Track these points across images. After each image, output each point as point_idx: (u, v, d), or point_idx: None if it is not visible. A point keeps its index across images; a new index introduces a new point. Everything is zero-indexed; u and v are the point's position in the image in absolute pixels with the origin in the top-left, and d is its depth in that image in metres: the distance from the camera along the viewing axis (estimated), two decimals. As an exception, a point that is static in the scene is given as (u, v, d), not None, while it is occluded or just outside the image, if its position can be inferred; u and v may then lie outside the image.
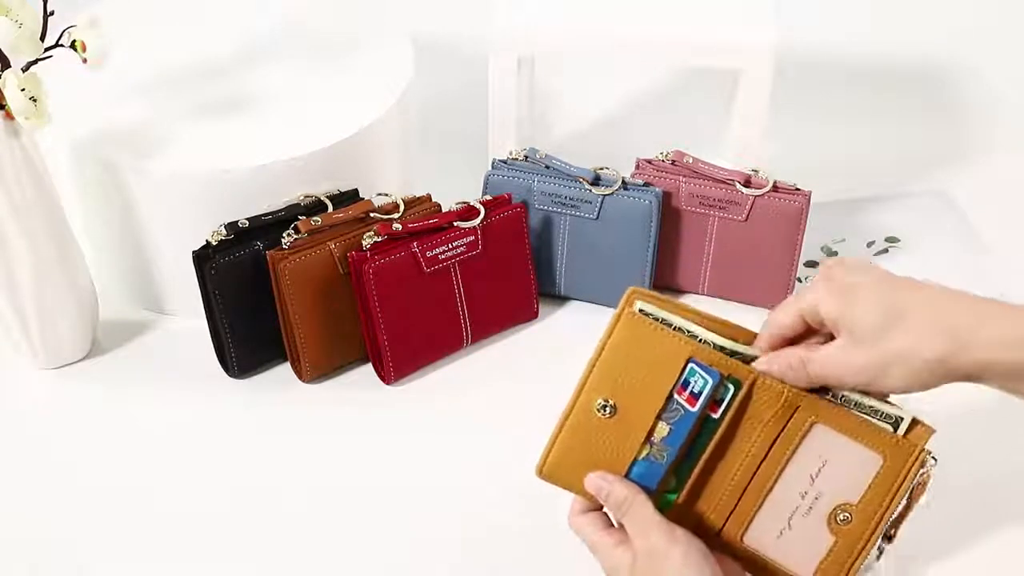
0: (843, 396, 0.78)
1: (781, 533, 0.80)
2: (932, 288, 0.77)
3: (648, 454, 0.80)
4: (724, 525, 0.81)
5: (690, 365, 0.78)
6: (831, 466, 0.79)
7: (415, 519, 0.95)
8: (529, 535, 0.93)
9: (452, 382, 1.09)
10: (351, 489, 0.98)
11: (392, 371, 1.06)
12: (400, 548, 0.93)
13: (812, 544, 0.80)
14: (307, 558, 0.93)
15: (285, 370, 1.09)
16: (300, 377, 1.08)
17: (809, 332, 0.79)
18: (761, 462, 0.80)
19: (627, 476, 0.81)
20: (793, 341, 0.79)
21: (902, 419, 0.78)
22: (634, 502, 0.79)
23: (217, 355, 1.08)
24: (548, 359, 1.11)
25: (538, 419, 1.04)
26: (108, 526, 0.95)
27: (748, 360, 0.79)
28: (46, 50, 0.97)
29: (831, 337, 0.77)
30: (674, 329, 0.79)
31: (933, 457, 0.78)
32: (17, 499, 0.98)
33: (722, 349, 0.79)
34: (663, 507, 0.81)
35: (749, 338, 0.80)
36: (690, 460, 0.80)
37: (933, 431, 0.78)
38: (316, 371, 1.07)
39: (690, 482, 0.81)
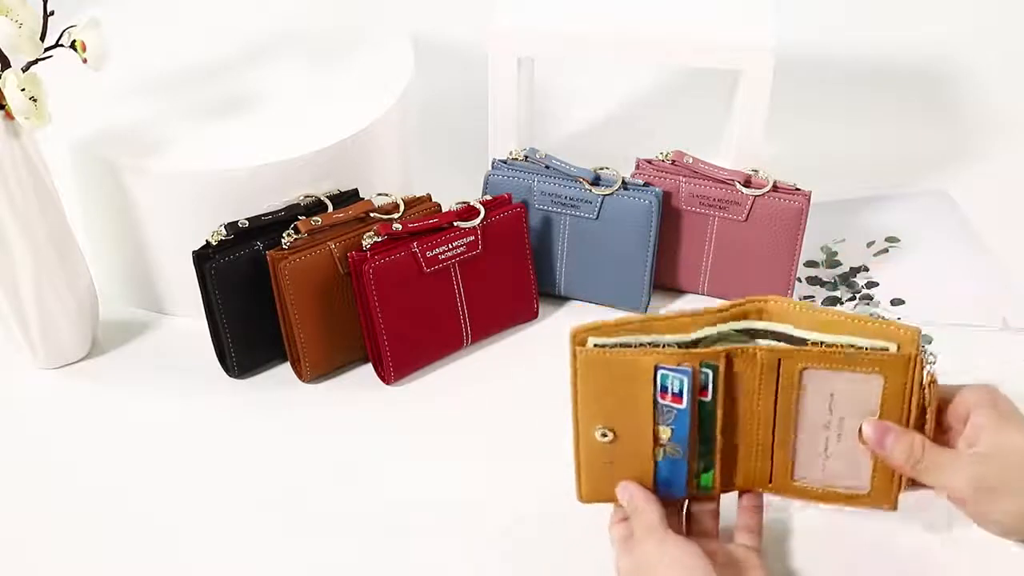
0: (822, 342, 0.80)
1: (824, 464, 0.83)
2: None
3: (664, 455, 0.83)
4: (771, 478, 0.85)
5: (659, 372, 0.80)
6: (840, 395, 0.81)
7: (415, 519, 0.95)
8: (529, 534, 0.93)
9: (452, 382, 1.09)
10: (351, 489, 0.98)
11: (392, 371, 1.06)
12: (400, 548, 0.93)
13: (856, 460, 0.83)
14: (307, 558, 0.93)
15: (285, 370, 1.09)
16: (300, 377, 1.08)
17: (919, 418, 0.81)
18: (775, 418, 0.82)
19: (656, 477, 0.84)
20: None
21: (887, 348, 0.79)
22: (644, 509, 0.82)
23: (217, 355, 1.08)
24: (548, 359, 1.10)
25: (538, 419, 1.04)
26: (108, 526, 0.95)
27: (700, 342, 0.81)
28: (46, 50, 0.97)
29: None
30: (634, 347, 0.81)
31: (931, 354, 0.80)
32: (17, 499, 0.98)
33: (680, 344, 0.81)
34: (705, 487, 0.84)
35: (687, 322, 0.81)
36: (707, 443, 0.83)
37: (918, 330, 0.79)
38: (316, 371, 1.07)
39: (717, 460, 0.84)
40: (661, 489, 0.84)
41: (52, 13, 0.96)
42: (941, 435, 0.81)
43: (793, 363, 0.80)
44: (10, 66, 0.96)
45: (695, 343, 0.81)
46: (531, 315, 1.14)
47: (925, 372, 0.79)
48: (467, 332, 1.09)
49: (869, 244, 1.23)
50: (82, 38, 0.98)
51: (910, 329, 0.79)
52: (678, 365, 0.80)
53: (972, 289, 1.17)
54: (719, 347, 0.81)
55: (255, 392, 1.08)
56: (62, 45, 0.99)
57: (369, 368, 1.09)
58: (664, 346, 0.81)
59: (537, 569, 0.91)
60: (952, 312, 1.14)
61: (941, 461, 0.78)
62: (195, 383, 1.08)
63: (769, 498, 0.87)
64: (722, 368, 0.80)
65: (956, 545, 0.90)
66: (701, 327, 0.82)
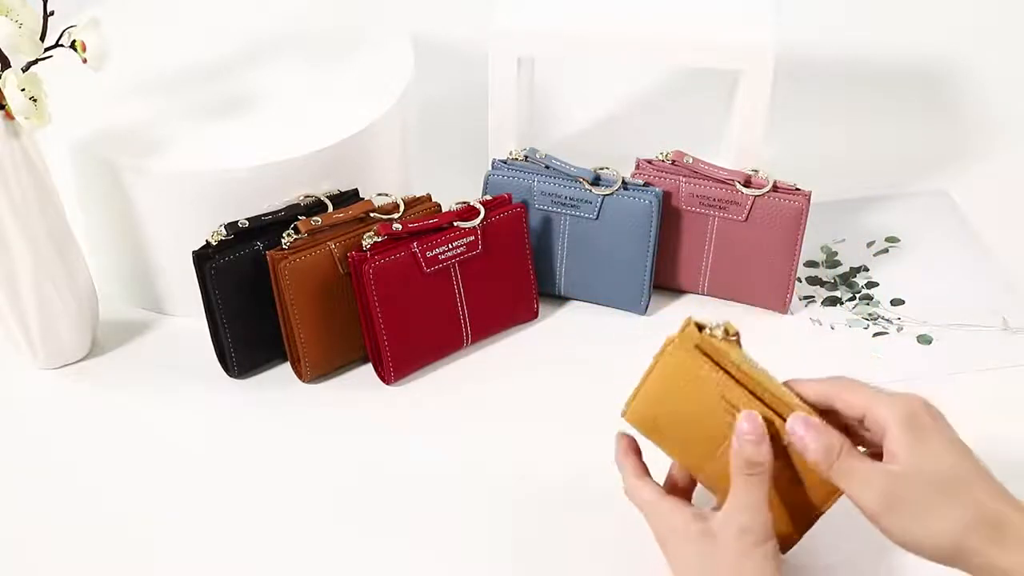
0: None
1: None
2: (993, 485, 0.76)
3: None
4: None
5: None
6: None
7: (415, 519, 0.95)
8: (530, 535, 0.93)
9: (452, 382, 1.09)
10: (351, 489, 0.98)
11: (392, 371, 1.06)
12: (400, 548, 0.93)
13: None
14: (307, 558, 0.93)
15: (285, 370, 1.09)
16: (300, 377, 1.08)
17: (838, 420, 0.80)
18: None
19: None
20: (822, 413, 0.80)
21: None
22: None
23: (217, 355, 1.08)
24: (548, 359, 1.11)
25: (538, 419, 1.04)
26: (108, 526, 0.95)
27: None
28: (46, 50, 0.97)
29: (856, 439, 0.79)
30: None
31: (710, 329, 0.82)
32: (17, 499, 0.98)
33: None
34: None
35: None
36: None
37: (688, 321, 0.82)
38: (316, 371, 1.07)
39: None
40: None
41: (52, 13, 0.96)
42: (856, 442, 0.80)
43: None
44: (10, 66, 0.96)
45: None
46: (531, 315, 1.14)
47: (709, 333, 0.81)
48: (467, 332, 1.09)
49: (869, 244, 1.23)
50: (82, 38, 0.98)
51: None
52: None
53: (972, 289, 1.17)
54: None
55: (255, 392, 1.08)
56: (62, 45, 0.99)
57: (369, 368, 1.09)
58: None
59: (538, 567, 0.91)
60: (952, 312, 1.14)
61: (857, 468, 0.77)
62: (195, 383, 1.08)
63: None
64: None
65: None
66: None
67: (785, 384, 0.82)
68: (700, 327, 0.83)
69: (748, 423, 0.80)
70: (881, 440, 0.78)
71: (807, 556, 0.89)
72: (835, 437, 0.78)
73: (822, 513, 0.83)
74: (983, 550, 0.73)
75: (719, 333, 0.82)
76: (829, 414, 0.80)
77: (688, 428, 0.83)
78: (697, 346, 0.82)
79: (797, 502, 0.83)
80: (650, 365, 0.84)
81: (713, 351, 0.82)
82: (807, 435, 0.78)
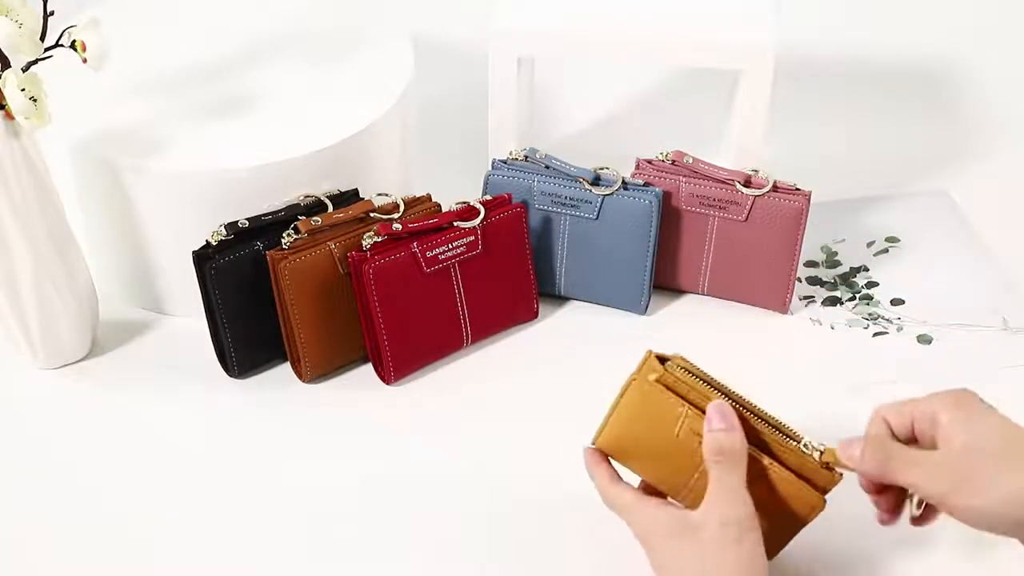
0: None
1: None
2: None
3: None
4: None
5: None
6: None
7: (415, 519, 0.95)
8: (531, 534, 0.93)
9: (452, 382, 1.09)
10: (351, 489, 0.98)
11: (392, 371, 1.06)
12: (400, 548, 0.93)
13: None
14: (307, 558, 0.93)
15: (285, 370, 1.09)
16: (300, 377, 1.08)
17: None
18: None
19: None
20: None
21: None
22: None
23: (217, 355, 1.08)
24: (548, 359, 1.11)
25: (538, 419, 1.04)
26: (108, 526, 0.95)
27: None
28: (46, 50, 0.97)
29: None
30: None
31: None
32: (17, 499, 0.98)
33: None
34: None
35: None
36: None
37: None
38: (316, 371, 1.07)
39: None
40: None
41: (52, 13, 0.96)
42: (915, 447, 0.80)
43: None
44: (10, 66, 0.96)
45: None
46: (531, 315, 1.14)
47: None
48: (467, 332, 1.09)
49: (869, 244, 1.23)
50: (82, 38, 0.98)
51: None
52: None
53: (972, 289, 1.17)
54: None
55: (255, 392, 1.08)
56: (62, 45, 0.99)
57: (369, 368, 1.09)
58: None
59: (537, 566, 0.91)
60: (952, 312, 1.14)
61: (913, 458, 0.77)
62: (195, 383, 1.08)
63: None
64: None
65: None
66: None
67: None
68: (662, 359, 0.83)
69: (716, 415, 0.81)
70: (934, 438, 0.78)
71: (803, 554, 0.89)
72: (878, 437, 0.78)
73: (805, 524, 0.84)
74: None
75: (677, 364, 0.83)
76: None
77: (659, 459, 0.84)
78: (658, 380, 0.82)
79: (779, 517, 0.83)
80: (615, 399, 0.84)
81: (675, 383, 0.82)
82: (855, 453, 0.79)
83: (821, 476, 0.82)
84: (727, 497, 0.79)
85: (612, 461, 0.86)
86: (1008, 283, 1.18)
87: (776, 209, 1.09)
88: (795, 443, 0.82)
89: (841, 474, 0.81)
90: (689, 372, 0.83)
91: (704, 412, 0.81)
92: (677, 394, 0.82)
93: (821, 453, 0.81)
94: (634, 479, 0.87)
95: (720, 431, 0.80)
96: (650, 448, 0.83)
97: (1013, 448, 0.75)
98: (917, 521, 0.81)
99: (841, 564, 0.90)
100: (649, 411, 0.82)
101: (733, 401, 0.82)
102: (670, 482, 0.84)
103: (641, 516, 0.82)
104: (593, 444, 0.86)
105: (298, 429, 1.04)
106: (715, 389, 0.83)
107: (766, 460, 0.81)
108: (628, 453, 0.85)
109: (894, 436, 0.79)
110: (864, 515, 0.83)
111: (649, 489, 0.87)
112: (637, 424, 0.83)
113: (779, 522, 0.83)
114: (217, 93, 1.16)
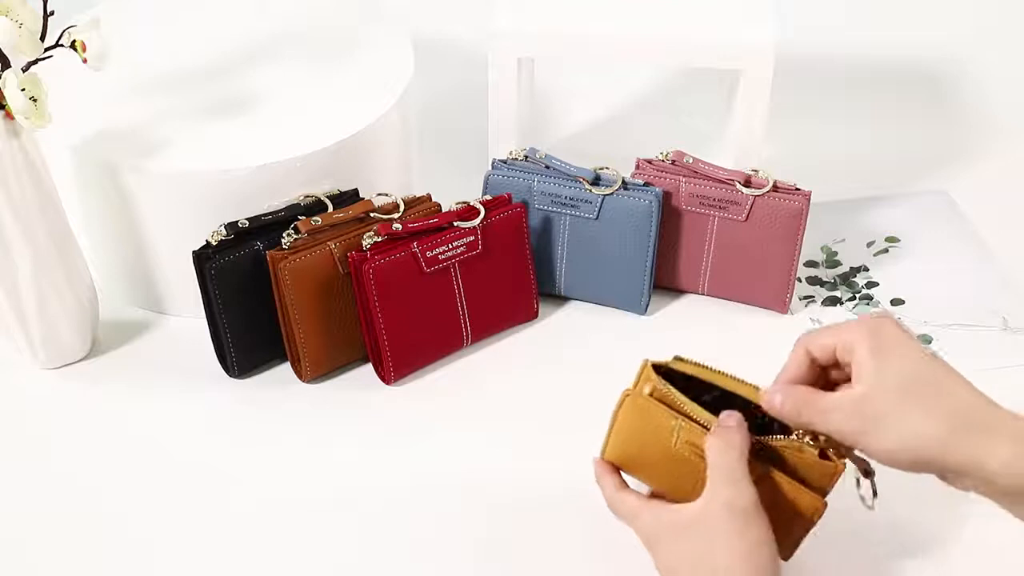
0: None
1: None
2: (966, 384, 0.76)
3: None
4: None
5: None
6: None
7: (415, 519, 0.95)
8: (529, 533, 0.93)
9: (452, 382, 1.09)
10: (351, 489, 0.98)
11: (392, 371, 1.06)
12: (400, 548, 0.93)
13: None
14: (307, 558, 0.93)
15: (285, 370, 1.09)
16: (300, 377, 1.08)
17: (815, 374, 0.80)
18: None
19: None
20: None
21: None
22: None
23: (217, 355, 1.08)
24: (548, 359, 1.11)
25: (538, 419, 1.04)
26: (108, 526, 0.95)
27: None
28: (46, 50, 0.97)
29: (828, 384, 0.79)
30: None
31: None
32: (17, 499, 0.98)
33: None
34: None
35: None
36: None
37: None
38: (316, 371, 1.07)
39: None
40: None
41: (52, 13, 0.96)
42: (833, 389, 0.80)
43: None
44: (10, 66, 0.96)
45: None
46: (531, 315, 1.14)
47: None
48: (467, 332, 1.09)
49: (869, 244, 1.23)
50: (82, 38, 0.98)
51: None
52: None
53: (972, 289, 1.17)
54: None
55: (255, 392, 1.08)
56: (62, 45, 0.99)
57: (369, 368, 1.09)
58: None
59: (537, 566, 0.91)
60: (952, 312, 1.14)
61: (824, 405, 0.76)
62: (195, 383, 1.08)
63: None
64: None
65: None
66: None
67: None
68: (661, 367, 0.83)
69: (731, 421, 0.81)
70: (850, 369, 0.77)
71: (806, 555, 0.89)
72: (796, 389, 0.78)
73: (812, 526, 0.83)
74: (970, 451, 0.72)
75: (676, 369, 0.83)
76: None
77: (662, 469, 0.84)
78: (652, 394, 0.82)
79: (783, 522, 0.83)
80: (614, 412, 0.85)
81: (667, 397, 0.82)
82: (775, 401, 0.79)
83: (821, 475, 0.82)
84: (726, 477, 0.78)
85: (623, 471, 0.87)
86: (1008, 283, 1.18)
87: (776, 209, 1.09)
88: (793, 438, 0.82)
89: (843, 465, 0.81)
90: (685, 375, 0.83)
91: (698, 423, 0.81)
92: (671, 407, 0.82)
93: (816, 440, 0.81)
94: (644, 488, 0.87)
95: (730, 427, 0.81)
96: (651, 459, 0.84)
97: (920, 382, 0.74)
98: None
99: (841, 565, 0.91)
100: (645, 425, 0.83)
101: (732, 394, 0.82)
102: (676, 491, 0.84)
103: (646, 518, 0.82)
104: (601, 456, 0.87)
105: (298, 429, 1.04)
106: (715, 385, 0.83)
107: (764, 468, 0.81)
108: (633, 464, 0.86)
109: (816, 363, 0.79)
110: (865, 516, 0.83)
111: (658, 497, 0.87)
112: (636, 437, 0.84)
113: (784, 527, 0.83)
114: (217, 93, 1.16)
